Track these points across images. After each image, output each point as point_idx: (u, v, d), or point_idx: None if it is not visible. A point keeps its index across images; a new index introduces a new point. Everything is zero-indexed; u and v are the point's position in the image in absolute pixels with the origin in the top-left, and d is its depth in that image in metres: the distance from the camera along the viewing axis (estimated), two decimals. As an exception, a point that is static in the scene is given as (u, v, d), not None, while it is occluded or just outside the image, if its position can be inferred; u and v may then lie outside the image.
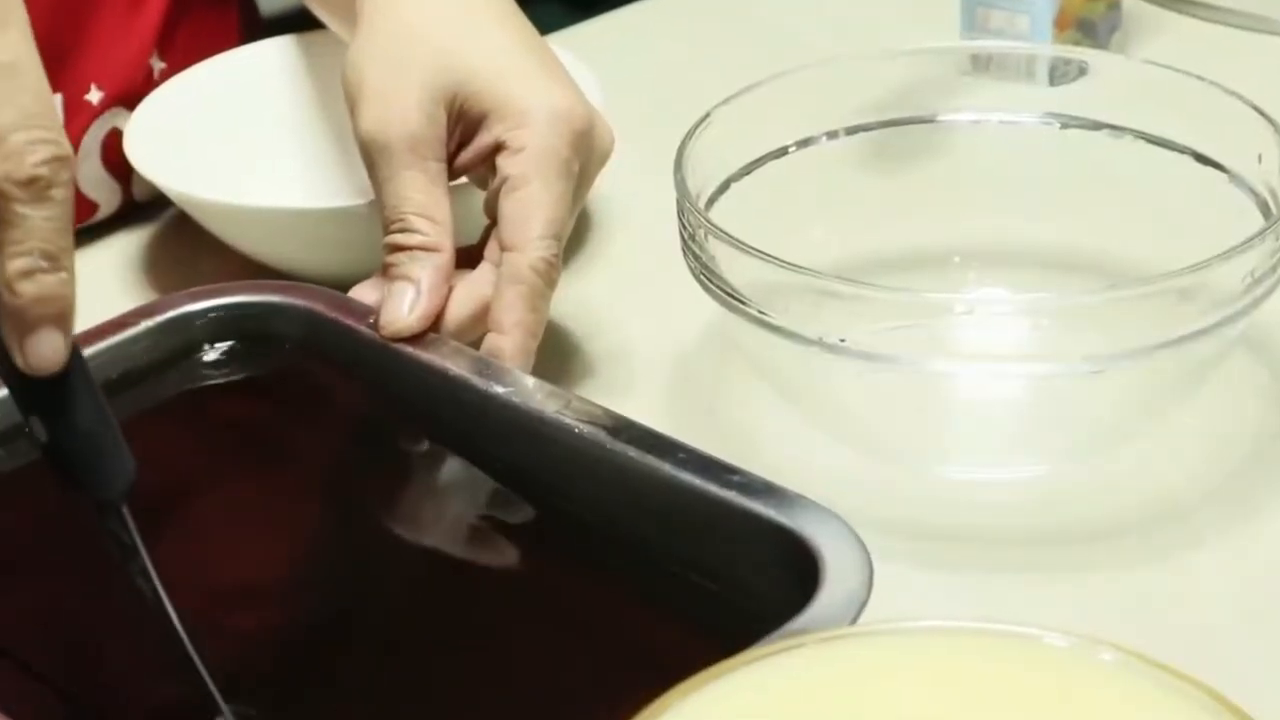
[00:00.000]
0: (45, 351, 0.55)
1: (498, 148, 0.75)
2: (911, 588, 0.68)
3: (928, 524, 0.72)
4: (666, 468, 0.63)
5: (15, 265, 0.54)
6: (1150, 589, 0.68)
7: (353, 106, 0.76)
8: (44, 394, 0.56)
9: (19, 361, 0.55)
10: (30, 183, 0.54)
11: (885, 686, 0.46)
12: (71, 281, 0.55)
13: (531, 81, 0.75)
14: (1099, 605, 0.68)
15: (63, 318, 0.55)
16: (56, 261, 0.55)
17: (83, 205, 0.91)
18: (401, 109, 0.74)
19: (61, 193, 0.54)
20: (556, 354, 0.80)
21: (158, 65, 0.93)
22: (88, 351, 0.71)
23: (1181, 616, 0.67)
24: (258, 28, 1.01)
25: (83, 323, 0.72)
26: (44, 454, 0.58)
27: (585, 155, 0.75)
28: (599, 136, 0.76)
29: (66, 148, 0.55)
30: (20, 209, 0.54)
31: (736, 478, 0.62)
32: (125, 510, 0.58)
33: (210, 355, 0.75)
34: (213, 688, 0.59)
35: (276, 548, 0.70)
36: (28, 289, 0.54)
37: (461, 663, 0.63)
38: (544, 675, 0.62)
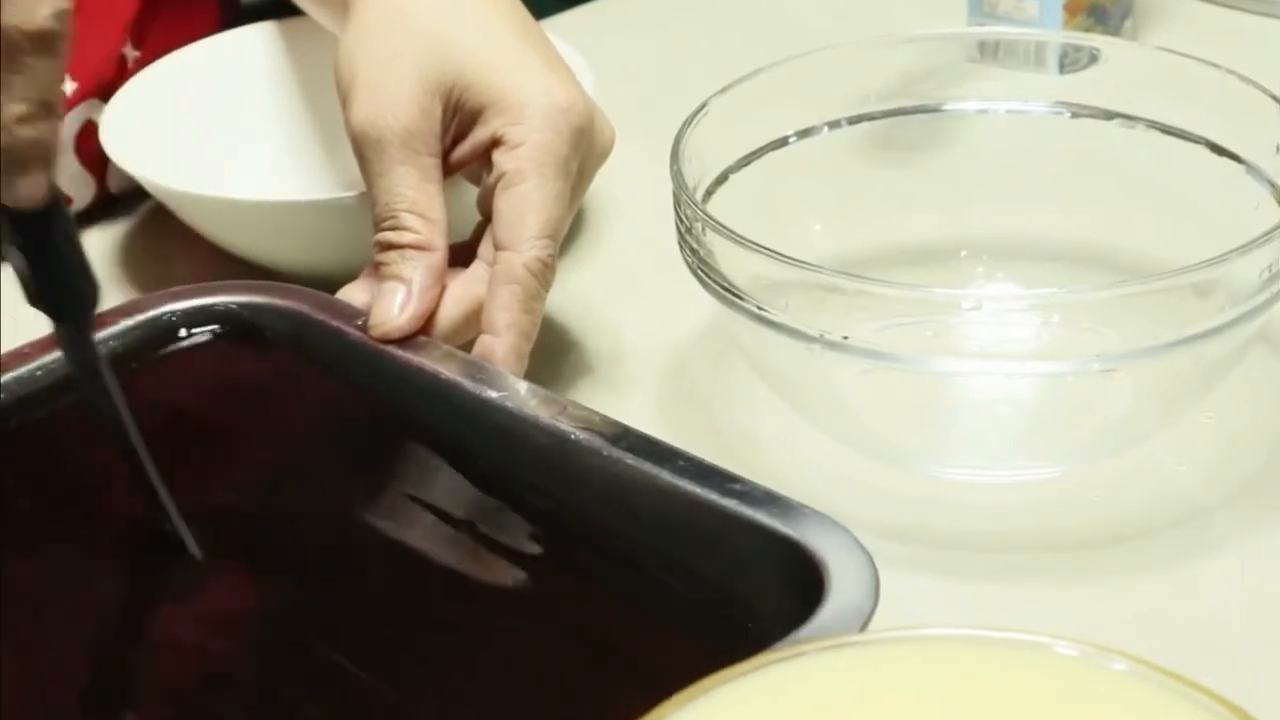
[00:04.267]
0: (32, 189, 0.62)
1: (494, 143, 0.75)
2: (916, 595, 0.68)
3: (933, 529, 0.72)
4: (665, 475, 0.63)
5: (15, 110, 0.60)
6: (1164, 595, 0.69)
7: (344, 98, 0.76)
8: (24, 227, 0.63)
9: (5, 197, 0.61)
10: (39, 35, 0.59)
11: (889, 696, 0.46)
12: (59, 127, 0.62)
13: (530, 75, 0.75)
14: (1111, 612, 0.68)
15: (50, 159, 0.62)
16: (51, 109, 0.61)
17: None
18: (395, 102, 0.75)
19: (63, 45, 0.60)
20: (550, 354, 0.80)
21: (131, 54, 0.93)
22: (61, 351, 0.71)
23: (1196, 624, 0.68)
24: (235, 16, 1.01)
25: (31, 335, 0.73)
26: (21, 282, 0.65)
27: (584, 152, 0.75)
28: (599, 132, 0.76)
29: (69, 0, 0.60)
30: (27, 59, 0.59)
31: (737, 486, 0.62)
32: (91, 333, 0.66)
33: (191, 356, 0.75)
34: (171, 509, 0.67)
35: (255, 554, 0.71)
36: (25, 132, 0.60)
37: (453, 674, 0.63)
38: (538, 686, 0.62)
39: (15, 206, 0.62)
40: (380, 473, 0.71)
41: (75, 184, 0.92)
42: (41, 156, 0.61)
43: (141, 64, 0.93)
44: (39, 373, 0.73)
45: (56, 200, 0.63)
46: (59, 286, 0.65)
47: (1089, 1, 1.00)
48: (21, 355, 0.73)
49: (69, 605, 0.66)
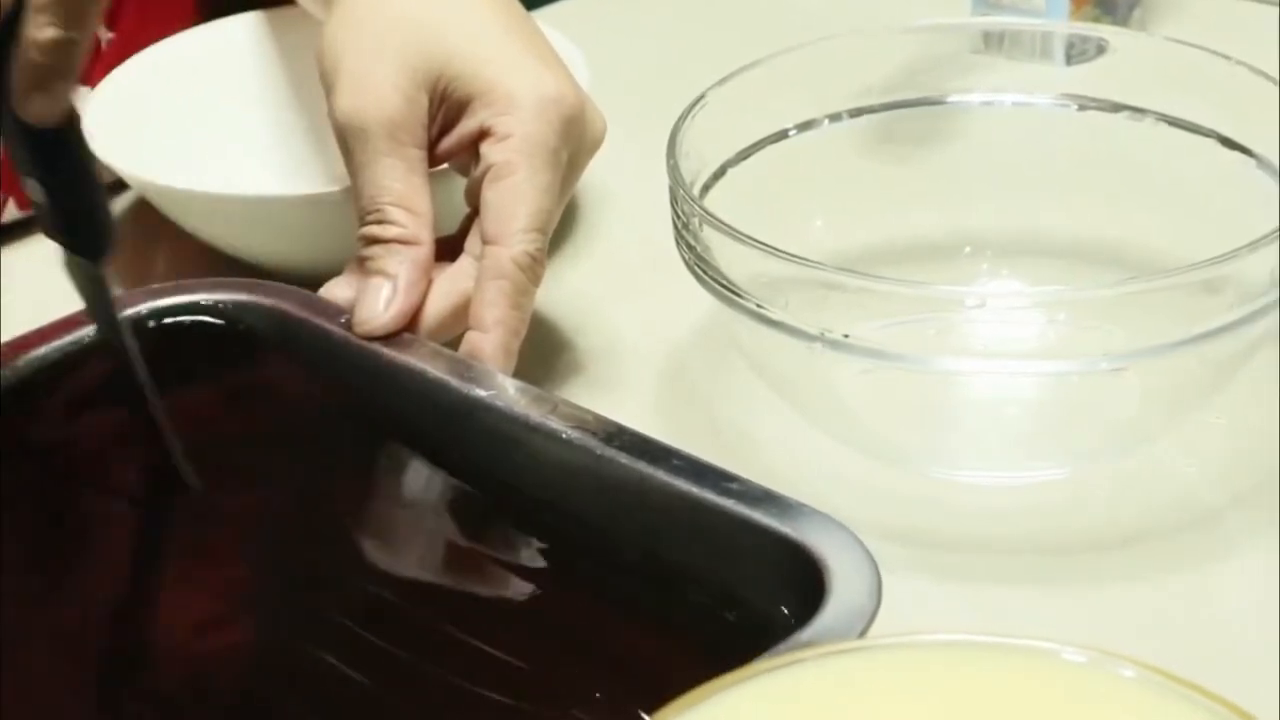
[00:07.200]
0: (52, 104, 0.65)
1: (482, 134, 0.75)
2: (918, 597, 0.68)
3: (936, 531, 0.72)
4: (660, 475, 0.63)
5: (43, 28, 0.64)
6: (1173, 600, 0.69)
7: (328, 88, 0.76)
8: (41, 147, 0.67)
9: (24, 111, 0.65)
10: None
11: (891, 702, 0.46)
12: (85, 46, 0.65)
13: (519, 65, 0.75)
14: (1118, 617, 0.68)
15: (71, 75, 0.65)
16: (79, 23, 0.64)
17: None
18: (380, 91, 0.75)
19: None
20: (543, 354, 0.80)
21: (105, 35, 0.93)
22: (40, 351, 0.71)
23: (1204, 627, 0.68)
24: (214, 1, 1.01)
25: (36, 319, 0.73)
26: (37, 213, 0.69)
27: (575, 144, 0.75)
28: (590, 124, 0.76)
29: None
30: None
31: (735, 485, 0.62)
32: (107, 266, 0.70)
33: (171, 356, 0.75)
34: (174, 444, 0.70)
35: (242, 561, 0.71)
36: (47, 34, 0.64)
37: (444, 681, 0.63)
38: (531, 692, 0.62)
39: (34, 122, 0.65)
40: (365, 473, 0.71)
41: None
42: (64, 73, 0.65)
43: (115, 46, 0.93)
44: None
45: (73, 122, 0.66)
46: (75, 214, 0.68)
47: (1096, -9, 1.00)
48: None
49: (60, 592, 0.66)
